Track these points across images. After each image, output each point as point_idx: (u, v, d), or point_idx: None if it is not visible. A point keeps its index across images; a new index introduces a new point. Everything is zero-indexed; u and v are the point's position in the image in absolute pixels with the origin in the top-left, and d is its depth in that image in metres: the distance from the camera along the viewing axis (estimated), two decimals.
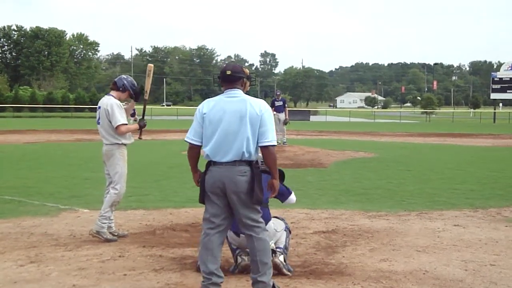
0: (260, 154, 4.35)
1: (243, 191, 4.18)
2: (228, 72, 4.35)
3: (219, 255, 4.34)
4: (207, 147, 4.28)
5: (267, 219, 4.99)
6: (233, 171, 4.18)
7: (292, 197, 5.36)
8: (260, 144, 4.24)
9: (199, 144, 4.33)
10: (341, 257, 5.55)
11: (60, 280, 4.73)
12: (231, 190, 4.19)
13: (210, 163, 4.28)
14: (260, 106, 4.26)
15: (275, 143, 4.29)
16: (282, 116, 19.82)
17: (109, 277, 4.84)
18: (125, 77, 6.58)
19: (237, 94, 4.34)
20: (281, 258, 4.95)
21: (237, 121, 4.21)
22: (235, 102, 4.28)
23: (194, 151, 4.38)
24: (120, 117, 6.22)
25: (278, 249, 4.98)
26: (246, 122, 4.20)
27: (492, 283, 4.75)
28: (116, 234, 6.32)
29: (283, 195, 5.24)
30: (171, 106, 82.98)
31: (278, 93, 21.46)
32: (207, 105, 4.34)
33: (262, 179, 4.26)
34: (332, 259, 5.47)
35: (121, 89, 6.42)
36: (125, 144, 6.38)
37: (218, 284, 4.25)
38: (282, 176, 5.16)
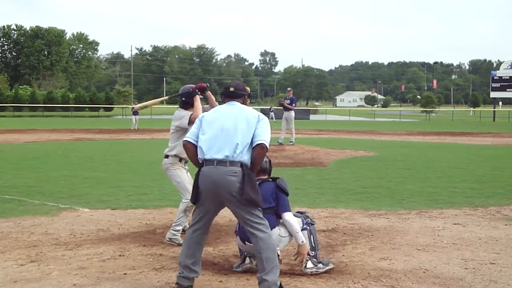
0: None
1: (235, 190, 4.23)
2: (232, 89, 4.63)
3: (198, 253, 4.46)
4: (202, 142, 4.38)
5: (272, 225, 4.92)
6: (224, 171, 4.24)
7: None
8: (254, 143, 4.33)
9: (192, 141, 4.47)
10: (341, 256, 5.56)
11: (61, 279, 4.74)
12: (224, 190, 4.25)
13: (202, 164, 4.35)
14: (258, 114, 4.46)
15: (267, 145, 4.35)
16: (288, 114, 18.85)
17: (110, 276, 4.85)
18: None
19: (237, 104, 4.59)
20: (309, 264, 4.91)
21: (233, 119, 4.40)
22: (233, 108, 4.55)
23: (191, 150, 4.48)
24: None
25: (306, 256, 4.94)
26: (242, 120, 4.38)
27: (492, 282, 4.75)
28: None
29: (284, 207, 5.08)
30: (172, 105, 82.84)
31: (289, 89, 20.15)
32: (206, 112, 4.61)
33: (254, 180, 4.32)
34: (332, 257, 5.48)
35: None
36: (175, 155, 6.24)
37: (189, 278, 4.39)
38: (286, 193, 5.07)
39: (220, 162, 4.25)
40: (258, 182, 4.97)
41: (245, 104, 4.71)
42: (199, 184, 4.34)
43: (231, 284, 4.63)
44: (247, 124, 4.35)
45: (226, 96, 4.63)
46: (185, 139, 4.54)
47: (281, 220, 4.97)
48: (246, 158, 4.29)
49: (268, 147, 4.37)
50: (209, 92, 6.32)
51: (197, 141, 4.44)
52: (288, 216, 4.91)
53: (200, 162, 4.38)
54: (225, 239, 6.23)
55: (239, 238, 4.95)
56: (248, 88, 4.77)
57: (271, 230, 4.87)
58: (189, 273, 4.38)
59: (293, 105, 19.24)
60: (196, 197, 4.40)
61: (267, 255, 4.25)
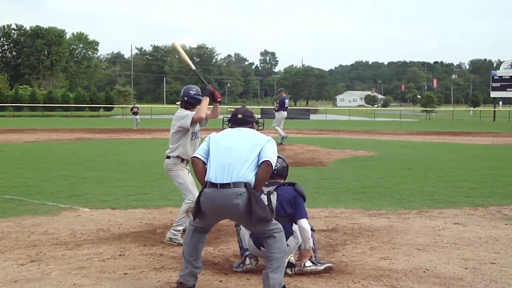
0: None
1: (242, 211, 4.25)
2: (240, 116, 4.70)
3: (200, 249, 4.52)
4: (210, 162, 4.42)
5: (289, 233, 4.90)
6: (228, 194, 4.24)
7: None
8: (260, 160, 4.37)
9: (201, 157, 4.51)
10: (341, 256, 5.55)
11: (61, 279, 4.73)
12: (229, 212, 4.30)
13: (206, 184, 4.36)
14: (265, 137, 4.54)
15: (273, 163, 4.38)
16: (279, 114, 18.69)
17: (110, 276, 4.84)
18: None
19: (245, 128, 4.66)
20: (308, 263, 4.94)
21: (241, 140, 4.47)
22: (241, 130, 4.64)
23: (199, 166, 4.50)
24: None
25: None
26: (248, 141, 4.44)
27: (492, 281, 4.75)
28: None
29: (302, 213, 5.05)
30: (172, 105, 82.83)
31: (280, 89, 20.10)
32: (215, 133, 4.66)
33: (260, 198, 4.36)
34: (332, 257, 5.48)
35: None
36: (177, 156, 6.20)
37: (194, 275, 4.43)
38: (304, 198, 5.08)
39: (224, 185, 4.25)
40: (275, 186, 5.02)
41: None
42: (201, 205, 4.36)
43: (231, 284, 4.63)
44: (253, 144, 4.40)
45: (235, 123, 4.69)
46: (194, 155, 4.58)
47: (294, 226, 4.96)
48: (250, 177, 4.31)
49: (273, 165, 4.39)
50: (218, 103, 6.23)
51: (206, 158, 4.47)
52: (305, 223, 4.92)
53: (205, 181, 4.40)
54: (225, 238, 6.24)
55: (252, 242, 4.92)
56: (255, 115, 4.84)
57: (288, 238, 4.90)
58: (193, 268, 4.41)
59: (279, 105, 18.75)
60: (198, 215, 4.44)
61: (278, 255, 4.31)
